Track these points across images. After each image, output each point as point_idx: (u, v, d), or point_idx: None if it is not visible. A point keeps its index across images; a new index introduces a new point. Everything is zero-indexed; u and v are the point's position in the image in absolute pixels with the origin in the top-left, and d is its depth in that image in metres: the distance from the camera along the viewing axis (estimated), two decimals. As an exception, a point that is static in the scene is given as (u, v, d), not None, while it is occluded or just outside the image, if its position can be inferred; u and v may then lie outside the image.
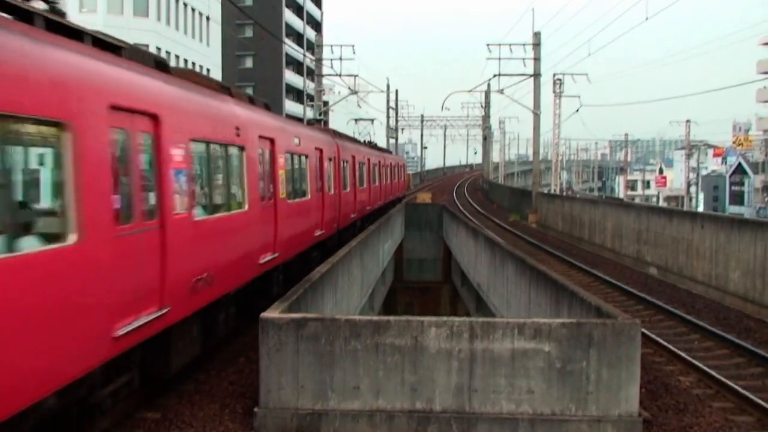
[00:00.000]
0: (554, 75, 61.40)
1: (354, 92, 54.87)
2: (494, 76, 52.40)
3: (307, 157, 18.40)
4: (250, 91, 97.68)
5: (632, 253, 32.06)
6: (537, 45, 51.02)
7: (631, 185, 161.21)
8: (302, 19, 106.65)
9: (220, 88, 13.47)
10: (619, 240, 34.14)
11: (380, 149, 42.13)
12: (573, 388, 9.93)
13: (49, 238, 7.11)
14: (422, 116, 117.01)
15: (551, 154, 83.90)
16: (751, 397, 12.86)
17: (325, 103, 55.47)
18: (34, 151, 7.20)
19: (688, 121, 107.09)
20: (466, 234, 29.00)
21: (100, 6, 56.71)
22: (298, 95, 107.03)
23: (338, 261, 16.26)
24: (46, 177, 7.29)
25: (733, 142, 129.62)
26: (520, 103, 53.75)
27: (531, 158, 68.77)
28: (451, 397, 10.00)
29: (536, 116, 51.54)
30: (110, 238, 8.08)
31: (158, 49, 59.61)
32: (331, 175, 21.58)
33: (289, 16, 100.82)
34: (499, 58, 51.07)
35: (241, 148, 13.08)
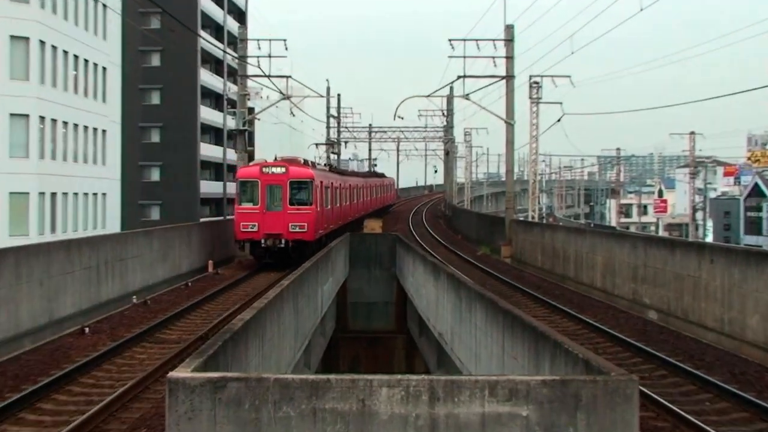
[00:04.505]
0: (531, 77, 62.11)
1: (286, 97, 54.76)
2: (458, 77, 52.50)
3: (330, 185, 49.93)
4: (157, 95, 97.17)
5: (627, 293, 32.33)
6: (510, 41, 51.53)
7: (625, 211, 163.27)
8: (222, 7, 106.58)
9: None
10: (611, 278, 34.42)
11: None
12: (557, 462, 9.89)
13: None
14: (370, 126, 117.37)
15: (528, 172, 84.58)
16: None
17: (251, 110, 55.26)
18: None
19: (692, 132, 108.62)
20: (425, 271, 29.00)
21: (-31, -11, 56.12)
22: (216, 100, 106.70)
23: (266, 306, 16.12)
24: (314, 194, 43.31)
25: (748, 159, 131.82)
26: (489, 111, 54.17)
27: (503, 178, 69.06)
28: (407, 474, 9.88)
29: (509, 127, 51.95)
30: (326, 208, 47.28)
31: (42, 42, 59.05)
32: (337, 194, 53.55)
33: (205, 3, 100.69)
34: (464, 56, 51.40)
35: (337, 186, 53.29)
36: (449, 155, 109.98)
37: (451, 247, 57.75)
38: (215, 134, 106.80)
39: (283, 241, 41.39)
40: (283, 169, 42.26)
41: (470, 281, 22.02)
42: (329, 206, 48.67)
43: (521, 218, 73.46)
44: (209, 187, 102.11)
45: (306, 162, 46.83)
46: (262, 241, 41.41)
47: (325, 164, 62.55)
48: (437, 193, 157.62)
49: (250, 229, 41.50)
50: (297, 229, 41.49)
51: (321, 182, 45.45)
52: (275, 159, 45.66)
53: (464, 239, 69.81)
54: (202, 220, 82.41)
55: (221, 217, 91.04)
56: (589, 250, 37.63)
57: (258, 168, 42.69)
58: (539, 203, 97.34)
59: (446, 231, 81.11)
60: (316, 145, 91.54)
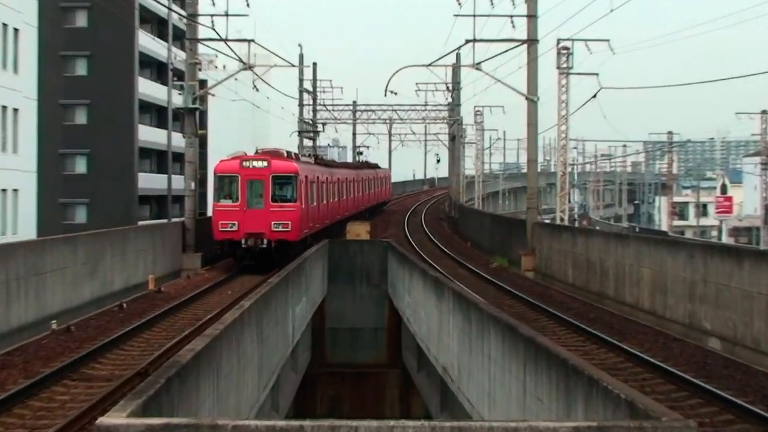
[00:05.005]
0: (558, 41, 62.06)
1: (248, 66, 54.69)
2: (466, 42, 52.45)
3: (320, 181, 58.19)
4: (83, 64, 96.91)
5: (682, 316, 32.32)
6: (532, -6, 51.49)
7: (679, 211, 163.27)
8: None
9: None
10: (661, 297, 34.40)
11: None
12: None
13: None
14: (354, 104, 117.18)
15: (556, 162, 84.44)
16: None
17: (203, 84, 55.18)
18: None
19: (764, 111, 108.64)
20: (425, 288, 28.96)
21: None
22: (159, 70, 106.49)
23: (222, 333, 16.07)
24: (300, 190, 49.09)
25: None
26: (506, 85, 54.13)
27: (524, 169, 68.89)
28: None
29: (532, 104, 51.87)
30: (311, 205, 53.65)
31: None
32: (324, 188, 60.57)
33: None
34: (474, 15, 51.43)
35: (322, 181, 59.88)
36: (455, 140, 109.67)
37: (457, 258, 57.73)
38: (158, 114, 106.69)
39: (265, 241, 46.01)
40: (265, 163, 47.26)
41: (482, 301, 22.00)
42: (315, 203, 55.05)
43: (547, 221, 73.36)
44: (150, 181, 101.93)
45: (290, 154, 52.60)
46: (243, 241, 46.04)
47: (309, 155, 68.90)
48: (440, 189, 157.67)
49: (229, 229, 46.31)
50: (280, 228, 46.26)
51: (306, 177, 50.81)
52: (256, 152, 51.42)
53: (474, 247, 69.78)
54: (140, 223, 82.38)
55: (165, 220, 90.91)
56: (633, 261, 37.61)
57: (237, 161, 47.45)
58: (570, 201, 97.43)
59: (451, 237, 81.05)
60: (299, 133, 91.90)
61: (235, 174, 46.94)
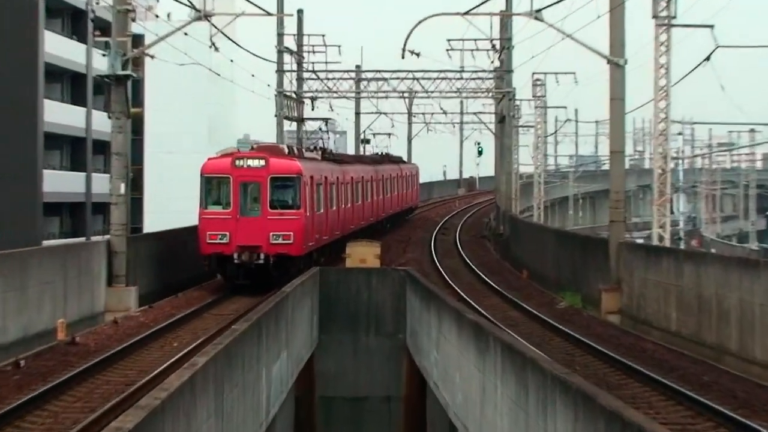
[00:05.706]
0: (654, -20, 62.13)
1: (203, 16, 54.79)
2: (522, -21, 52.70)
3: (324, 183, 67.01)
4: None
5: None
6: None
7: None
8: None
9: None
10: (807, 351, 34.35)
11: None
12: None
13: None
14: (358, 69, 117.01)
15: (652, 155, 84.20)
16: None
17: (137, 40, 55.23)
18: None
19: None
20: (460, 339, 28.97)
21: None
22: (74, 21, 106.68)
23: (163, 404, 16.05)
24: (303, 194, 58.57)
25: None
26: (579, 42, 54.27)
27: (605, 165, 68.54)
28: None
29: (616, 70, 52.03)
30: (317, 213, 64.72)
31: None
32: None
33: None
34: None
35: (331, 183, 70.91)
36: (505, 123, 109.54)
37: (508, 294, 57.80)
38: (72, 84, 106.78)
39: (261, 256, 52.20)
40: (262, 162, 53.95)
41: (544, 357, 21.98)
42: (323, 210, 63.23)
43: (639, 240, 73.36)
44: (60, 182, 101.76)
45: (291, 151, 60.91)
46: (235, 255, 52.34)
47: (315, 148, 77.61)
48: (483, 193, 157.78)
49: (218, 241, 52.66)
50: (280, 241, 52.81)
51: (312, 177, 58.07)
52: (251, 148, 58.47)
53: (533, 278, 69.92)
54: (46, 243, 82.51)
55: (82, 238, 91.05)
56: (766, 299, 37.57)
57: (229, 160, 54.10)
58: (673, 212, 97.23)
59: (499, 264, 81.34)
60: (302, 120, 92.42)
61: (226, 175, 52.97)
